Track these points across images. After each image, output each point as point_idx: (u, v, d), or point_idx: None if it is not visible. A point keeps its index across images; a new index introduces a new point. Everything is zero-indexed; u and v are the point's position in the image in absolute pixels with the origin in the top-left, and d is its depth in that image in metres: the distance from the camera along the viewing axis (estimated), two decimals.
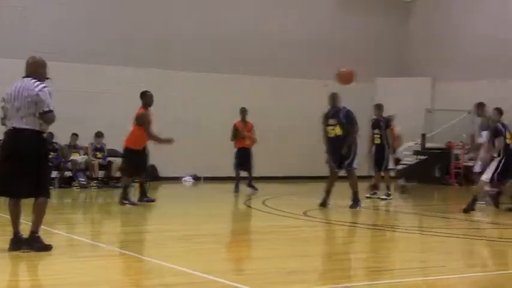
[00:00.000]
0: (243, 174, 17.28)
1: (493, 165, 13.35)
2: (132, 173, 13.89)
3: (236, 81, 21.49)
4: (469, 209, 13.18)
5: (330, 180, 13.75)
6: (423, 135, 21.90)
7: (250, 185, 17.20)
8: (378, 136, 15.93)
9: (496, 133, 13.46)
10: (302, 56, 22.65)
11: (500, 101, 20.18)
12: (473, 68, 22.31)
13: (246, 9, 22.10)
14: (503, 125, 13.61)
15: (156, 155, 17.94)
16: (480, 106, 15.29)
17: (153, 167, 19.80)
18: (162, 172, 20.45)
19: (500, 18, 21.89)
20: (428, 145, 22.04)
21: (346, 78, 13.59)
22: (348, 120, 13.56)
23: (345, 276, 7.41)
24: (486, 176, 13.40)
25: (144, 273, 7.54)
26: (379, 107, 16.23)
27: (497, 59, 21.67)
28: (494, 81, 21.42)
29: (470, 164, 17.52)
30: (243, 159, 17.06)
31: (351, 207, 13.48)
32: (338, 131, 13.52)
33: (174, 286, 6.73)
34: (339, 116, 13.57)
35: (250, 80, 21.73)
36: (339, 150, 13.46)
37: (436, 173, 21.42)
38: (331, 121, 13.59)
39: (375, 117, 16.11)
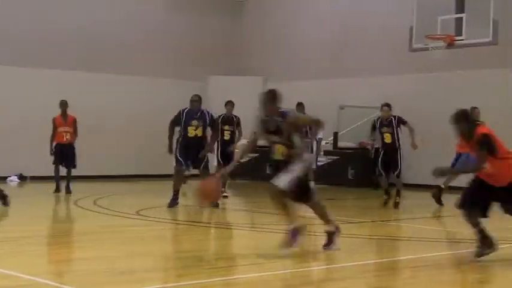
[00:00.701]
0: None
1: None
2: None
3: (69, 78, 20.94)
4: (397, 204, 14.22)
5: (178, 179, 13.56)
6: (255, 133, 22.18)
7: (66, 186, 16.08)
8: (229, 132, 15.99)
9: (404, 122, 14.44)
10: (135, 54, 22.42)
11: (325, 100, 21.03)
12: (301, 68, 22.93)
13: (75, 5, 21.63)
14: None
15: None
16: (300, 106, 15.90)
17: None
18: None
19: (324, 22, 22.59)
20: (261, 143, 22.35)
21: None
22: (211, 123, 13.62)
23: (180, 275, 7.31)
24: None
25: None
26: (232, 104, 16.24)
27: (320, 60, 22.41)
28: (319, 81, 22.14)
29: None
30: (62, 155, 16.15)
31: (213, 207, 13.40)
32: (199, 132, 13.48)
33: None
34: (205, 118, 13.53)
35: (85, 77, 21.29)
36: (196, 151, 13.33)
37: (268, 170, 21.75)
38: (195, 122, 13.46)
39: (226, 114, 16.10)
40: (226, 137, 15.98)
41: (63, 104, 16.27)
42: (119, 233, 10.32)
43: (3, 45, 20.13)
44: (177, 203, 13.34)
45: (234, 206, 15.10)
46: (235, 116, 16.12)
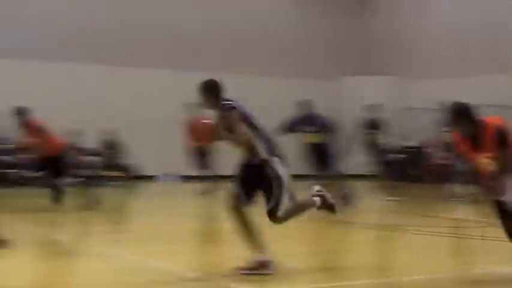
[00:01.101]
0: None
1: None
2: None
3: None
4: None
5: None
6: (399, 135, 21.88)
7: (211, 184, 16.16)
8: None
9: None
10: (268, 54, 22.75)
11: (465, 99, 20.32)
12: (436, 66, 22.48)
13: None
14: None
15: (136, 153, 18.07)
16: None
17: (131, 165, 19.74)
18: (143, 170, 20.29)
19: (456, 16, 22.08)
20: (404, 144, 22.09)
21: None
22: (329, 127, 13.62)
23: (338, 275, 7.36)
24: None
25: (138, 272, 7.36)
26: (373, 108, 16.40)
27: (457, 57, 21.89)
28: (459, 79, 21.62)
29: (444, 162, 17.55)
30: (199, 157, 16.21)
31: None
32: (317, 138, 13.41)
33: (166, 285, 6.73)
34: (316, 123, 13.45)
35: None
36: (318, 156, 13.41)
37: (413, 170, 21.46)
38: (308, 128, 13.44)
39: (369, 117, 16.34)
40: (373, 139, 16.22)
41: (193, 106, 16.05)
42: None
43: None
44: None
45: (401, 209, 14.99)
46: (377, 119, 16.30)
